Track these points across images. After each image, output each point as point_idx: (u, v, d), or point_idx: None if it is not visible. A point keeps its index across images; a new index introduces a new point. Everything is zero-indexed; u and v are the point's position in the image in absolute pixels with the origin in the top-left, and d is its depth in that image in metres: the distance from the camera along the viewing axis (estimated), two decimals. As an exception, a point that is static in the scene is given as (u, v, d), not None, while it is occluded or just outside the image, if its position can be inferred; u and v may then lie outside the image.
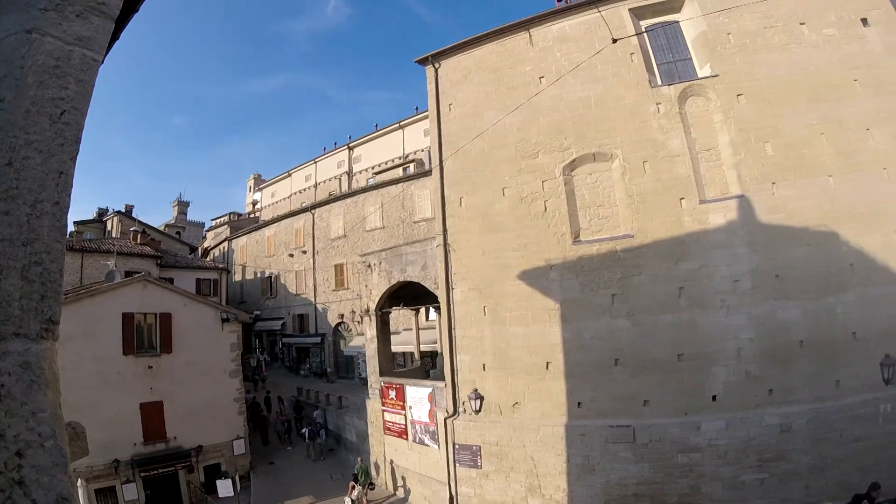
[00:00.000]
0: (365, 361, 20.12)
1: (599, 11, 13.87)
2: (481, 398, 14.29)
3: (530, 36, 14.98)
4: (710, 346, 12.82)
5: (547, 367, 13.76)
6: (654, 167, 13.57)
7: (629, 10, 14.65)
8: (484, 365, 14.56)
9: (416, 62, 16.12)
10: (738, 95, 13.66)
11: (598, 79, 14.26)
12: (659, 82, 14.27)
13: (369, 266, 17.22)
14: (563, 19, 14.69)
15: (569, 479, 13.06)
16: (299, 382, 28.67)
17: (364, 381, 19.96)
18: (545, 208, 14.15)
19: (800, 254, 12.92)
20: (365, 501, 16.22)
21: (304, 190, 49.40)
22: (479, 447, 14.23)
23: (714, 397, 12.73)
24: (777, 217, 13.06)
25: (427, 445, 15.74)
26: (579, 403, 13.38)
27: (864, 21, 14.77)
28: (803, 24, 14.42)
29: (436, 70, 15.75)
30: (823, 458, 12.24)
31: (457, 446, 14.52)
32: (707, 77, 13.95)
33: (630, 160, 13.72)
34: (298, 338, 33.08)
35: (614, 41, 12.38)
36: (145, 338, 17.45)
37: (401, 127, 41.06)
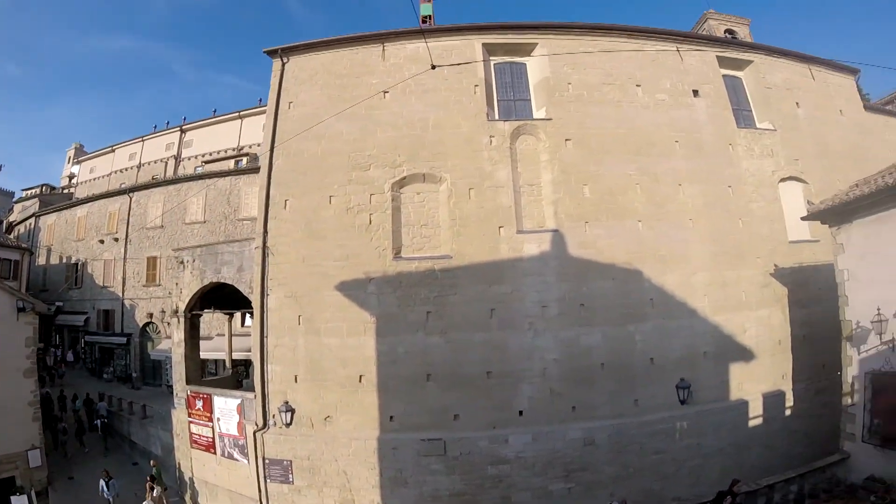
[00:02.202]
0: (171, 367, 19.24)
1: (465, 38, 15.38)
2: (292, 411, 14.06)
3: (384, 50, 15.75)
4: (517, 365, 14.09)
5: (360, 381, 13.99)
6: (479, 195, 14.57)
7: (483, 44, 15.93)
8: (296, 376, 14.39)
9: (264, 52, 16.15)
10: (567, 140, 15.14)
11: (441, 104, 15.19)
12: (496, 117, 15.53)
13: (182, 262, 16.63)
14: (419, 40, 15.52)
15: (382, 492, 13.49)
16: (102, 387, 26.73)
17: (171, 388, 18.96)
18: (370, 221, 14.50)
19: (605, 286, 14.58)
20: (166, 502, 15.80)
21: (127, 169, 45.79)
22: (291, 462, 14.07)
23: (521, 412, 14.00)
24: (587, 252, 14.53)
25: (237, 460, 15.21)
26: (392, 417, 13.82)
27: (696, 92, 16.93)
28: (639, 86, 16.32)
29: (283, 64, 15.91)
30: (626, 469, 14.12)
31: (267, 461, 14.31)
32: (541, 119, 15.41)
33: (457, 185, 14.61)
34: (103, 336, 30.79)
35: (433, 67, 13.41)
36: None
37: (240, 117, 39.83)
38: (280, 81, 15.74)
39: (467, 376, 13.86)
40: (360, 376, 14.00)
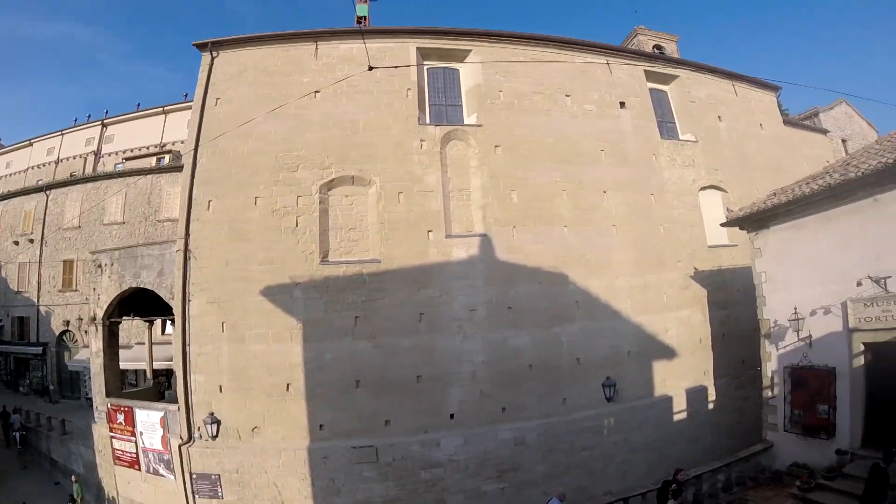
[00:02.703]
0: (90, 379, 18.48)
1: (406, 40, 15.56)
2: (218, 422, 13.70)
3: (317, 48, 15.70)
4: (447, 368, 14.29)
5: (287, 389, 13.77)
6: (409, 198, 14.74)
7: (417, 48, 16.17)
8: (221, 386, 14.02)
9: (194, 46, 15.77)
10: (497, 146, 15.59)
11: (372, 106, 15.26)
12: (427, 121, 15.77)
13: (100, 266, 16.03)
14: (354, 41, 15.61)
15: (314, 503, 13.29)
16: (18, 401, 25.35)
17: (91, 401, 18.17)
18: (297, 224, 14.33)
19: (532, 290, 15.08)
20: None
21: (44, 165, 43.13)
22: (219, 476, 13.68)
23: (452, 415, 14.18)
24: (515, 256, 14.99)
25: (163, 476, 14.70)
26: (321, 425, 13.65)
27: (622, 104, 17.73)
28: (569, 96, 16.97)
29: (213, 59, 15.56)
30: (556, 466, 14.58)
31: (195, 476, 13.89)
32: (472, 125, 15.79)
33: (387, 188, 14.72)
34: (17, 346, 29.24)
35: (370, 68, 13.43)
36: None
37: (164, 112, 38.15)
38: (208, 76, 15.37)
39: (397, 381, 13.90)
40: (288, 384, 13.76)
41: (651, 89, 19.02)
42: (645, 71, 18.99)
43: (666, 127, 18.95)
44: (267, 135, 14.85)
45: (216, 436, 13.71)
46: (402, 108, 15.43)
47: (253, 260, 14.21)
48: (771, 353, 14.01)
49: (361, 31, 16.29)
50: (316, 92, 15.10)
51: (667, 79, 19.71)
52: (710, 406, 17.23)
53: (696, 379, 17.10)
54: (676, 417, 16.55)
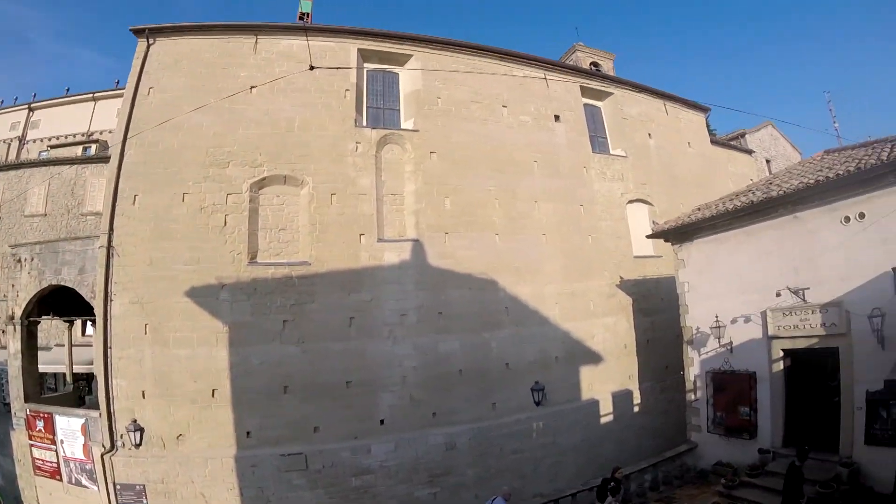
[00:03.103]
0: (7, 382, 17.54)
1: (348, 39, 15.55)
2: (142, 430, 13.20)
3: (257, 42, 15.53)
4: (377, 373, 14.31)
5: (213, 395, 13.39)
6: (342, 201, 14.78)
7: (359, 49, 16.29)
8: (144, 391, 13.49)
9: (130, 31, 15.24)
10: (432, 152, 15.94)
11: (309, 104, 15.23)
12: (364, 123, 15.93)
13: (20, 261, 15.31)
14: (295, 37, 15.58)
15: None
16: None
17: (8, 407, 17.20)
18: (225, 223, 13.99)
19: (463, 295, 15.47)
20: None
21: None
22: (144, 486, 13.13)
23: (382, 421, 14.17)
24: (446, 262, 15.34)
25: (85, 487, 14.00)
26: (248, 433, 13.33)
27: (557, 118, 18.50)
28: (506, 107, 17.59)
29: (149, 45, 15.09)
30: (487, 470, 14.88)
31: (119, 486, 13.26)
32: (409, 130, 16.07)
33: (320, 190, 14.69)
34: None
35: (311, 68, 13.54)
36: None
37: (94, 99, 36.37)
38: (143, 64, 14.87)
39: (326, 386, 13.76)
40: (213, 390, 13.32)
41: (586, 104, 19.98)
42: (581, 87, 19.94)
43: (598, 141, 19.95)
44: (199, 128, 14.52)
45: (140, 444, 13.18)
46: (339, 108, 15.47)
47: (179, 259, 13.83)
48: (693, 358, 14.92)
49: (304, 27, 16.20)
50: (252, 87, 14.83)
51: (601, 95, 20.73)
52: (636, 409, 18.16)
53: (621, 383, 18.01)
54: (603, 420, 17.32)
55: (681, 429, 15.69)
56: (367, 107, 16.33)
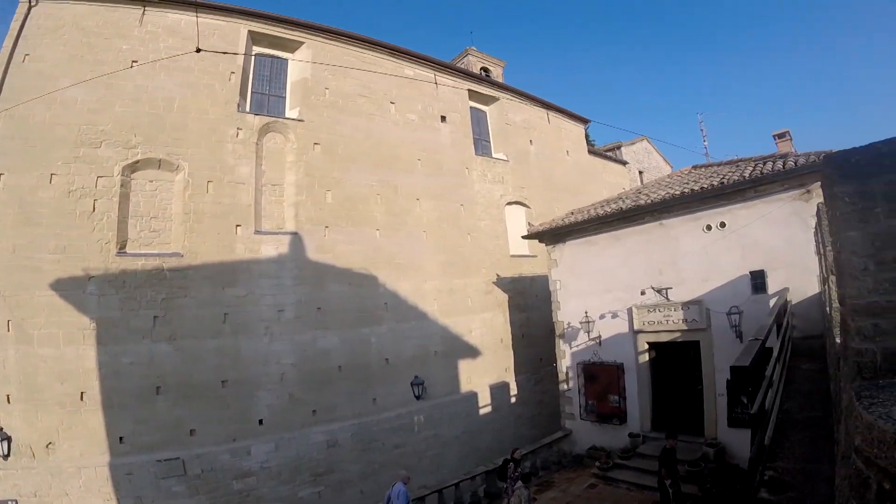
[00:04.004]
0: None
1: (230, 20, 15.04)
2: (9, 438, 11.96)
3: (144, 14, 14.73)
4: (254, 372, 14.20)
5: (82, 398, 12.53)
6: (219, 189, 14.49)
7: (249, 31, 16.01)
8: (9, 396, 12.29)
9: None
10: (316, 144, 16.20)
11: (191, 84, 14.73)
12: (248, 109, 15.65)
13: None
14: (184, 12, 15.00)
15: None
16: None
17: None
18: (94, 209, 13.16)
19: (342, 290, 15.86)
20: None
21: None
22: (16, 501, 11.95)
23: (261, 421, 14.08)
24: (326, 257, 15.68)
25: None
26: (121, 438, 12.61)
27: (444, 118, 19.56)
28: (393, 103, 18.30)
29: (30, 7, 13.82)
30: (371, 465, 15.33)
31: None
32: (293, 119, 16.15)
33: (196, 176, 14.30)
34: None
35: (198, 50, 13.09)
36: None
37: None
38: (21, 27, 13.57)
39: (201, 386, 13.44)
40: (82, 393, 12.49)
41: (472, 108, 21.33)
42: (469, 90, 21.24)
43: (482, 144, 21.39)
44: (73, 103, 13.50)
45: (7, 455, 11.95)
46: (222, 91, 15.10)
47: (43, 247, 12.72)
48: (565, 351, 16.54)
49: (195, 3, 15.54)
50: (134, 62, 14.17)
51: (489, 100, 22.21)
52: (513, 400, 19.76)
53: (499, 375, 19.52)
54: (482, 412, 18.66)
55: (556, 417, 17.25)
56: (252, 92, 16.08)
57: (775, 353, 6.35)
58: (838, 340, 4.32)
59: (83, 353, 12.77)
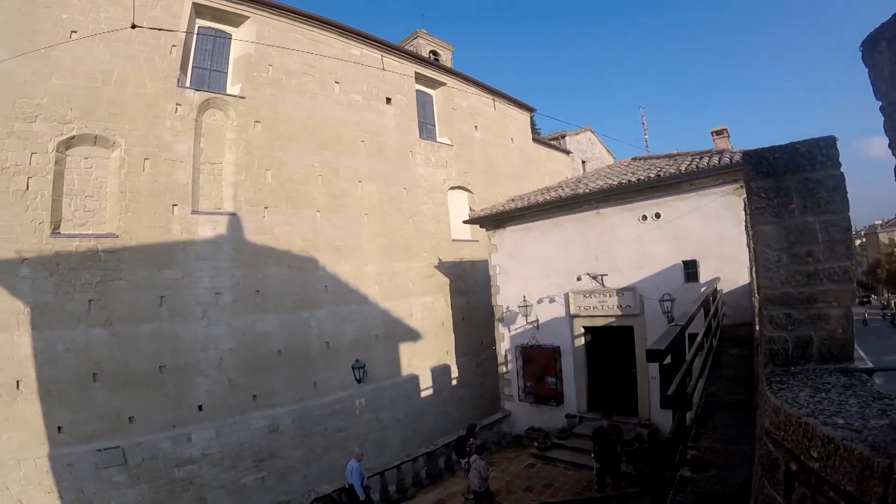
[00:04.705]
0: None
1: None
2: None
3: None
4: (192, 357, 14.20)
5: (18, 387, 12.19)
6: (155, 167, 14.24)
7: (193, 3, 15.48)
8: None
9: None
10: (256, 122, 16.14)
11: (131, 57, 14.26)
12: (188, 84, 15.33)
13: None
14: None
15: None
16: None
17: None
18: (27, 187, 12.38)
19: (282, 273, 16.02)
20: None
21: None
22: None
23: (200, 407, 14.12)
24: (264, 238, 15.79)
25: None
26: (60, 428, 12.37)
27: (389, 100, 19.93)
28: (338, 83, 18.45)
29: None
30: (314, 450, 15.62)
31: None
32: (234, 96, 15.99)
33: (132, 153, 13.98)
34: None
35: (133, 27, 12.69)
36: None
37: None
38: None
39: (138, 373, 13.34)
40: (18, 381, 12.19)
41: (419, 91, 21.80)
42: (416, 73, 21.62)
43: (426, 128, 21.96)
44: (8, 76, 12.75)
45: None
46: (162, 65, 14.70)
47: None
48: (504, 334, 17.36)
49: None
50: (73, 32, 13.56)
51: (435, 84, 22.72)
52: (454, 382, 20.64)
53: (439, 358, 20.34)
54: (424, 394, 19.39)
55: (496, 399, 18.11)
56: (193, 66, 15.76)
57: (698, 339, 6.73)
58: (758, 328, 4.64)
59: (18, 339, 12.34)
